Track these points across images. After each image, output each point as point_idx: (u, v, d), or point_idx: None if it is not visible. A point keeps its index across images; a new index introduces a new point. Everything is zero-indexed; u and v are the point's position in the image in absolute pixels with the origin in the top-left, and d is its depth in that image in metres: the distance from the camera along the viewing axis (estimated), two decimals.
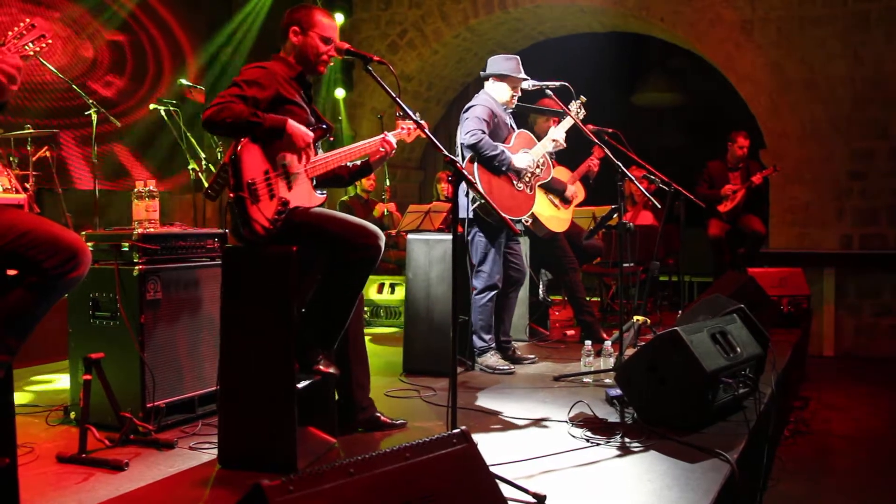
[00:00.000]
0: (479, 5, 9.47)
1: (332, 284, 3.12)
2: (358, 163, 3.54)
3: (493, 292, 4.88)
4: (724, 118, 8.54)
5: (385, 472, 1.61)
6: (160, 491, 2.78)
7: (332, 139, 3.53)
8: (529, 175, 4.91)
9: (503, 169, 4.75)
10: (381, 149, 3.53)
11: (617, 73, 10.12)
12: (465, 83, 10.83)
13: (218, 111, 2.95)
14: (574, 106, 4.97)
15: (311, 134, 3.14)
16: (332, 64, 3.48)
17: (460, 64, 10.42)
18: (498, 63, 4.96)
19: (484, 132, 4.74)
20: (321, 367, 3.10)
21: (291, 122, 3.06)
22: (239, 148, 2.98)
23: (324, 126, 3.34)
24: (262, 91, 3.09)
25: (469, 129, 4.75)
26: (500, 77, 4.94)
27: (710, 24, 8.43)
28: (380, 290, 7.30)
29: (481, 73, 5.07)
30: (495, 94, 4.97)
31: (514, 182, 4.87)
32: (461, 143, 4.80)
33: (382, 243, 3.12)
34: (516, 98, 4.98)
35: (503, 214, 2.97)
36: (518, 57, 4.96)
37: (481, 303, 4.87)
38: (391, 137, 3.53)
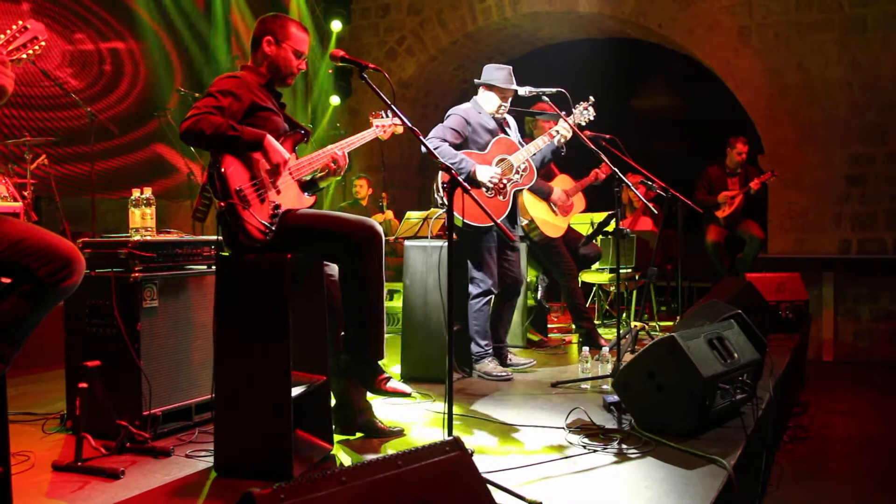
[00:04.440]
0: (477, 12, 9.49)
1: (355, 288, 3.13)
2: (308, 178, 3.39)
3: (488, 297, 4.87)
4: (722, 124, 8.54)
5: (377, 479, 1.60)
6: (156, 499, 2.77)
7: (308, 140, 3.49)
8: (504, 182, 4.84)
9: (462, 177, 4.70)
10: (333, 164, 3.37)
11: (615, 79, 10.11)
12: (464, 90, 10.83)
13: (195, 122, 2.94)
14: (580, 107, 4.93)
15: (288, 155, 3.12)
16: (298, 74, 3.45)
17: (458, 70, 10.43)
18: (488, 72, 4.97)
19: (445, 140, 4.76)
20: (390, 387, 3.12)
21: (269, 138, 3.06)
22: (221, 160, 2.98)
23: (301, 131, 3.34)
24: (237, 101, 3.09)
25: (431, 136, 4.79)
26: (489, 86, 4.95)
27: (708, 29, 8.44)
28: None
29: (476, 80, 5.07)
30: (482, 103, 4.98)
31: (485, 190, 4.82)
32: None
33: (381, 230, 3.14)
34: (504, 108, 4.94)
35: (497, 222, 2.96)
36: (510, 67, 4.93)
37: (476, 308, 4.86)
38: (339, 152, 3.37)
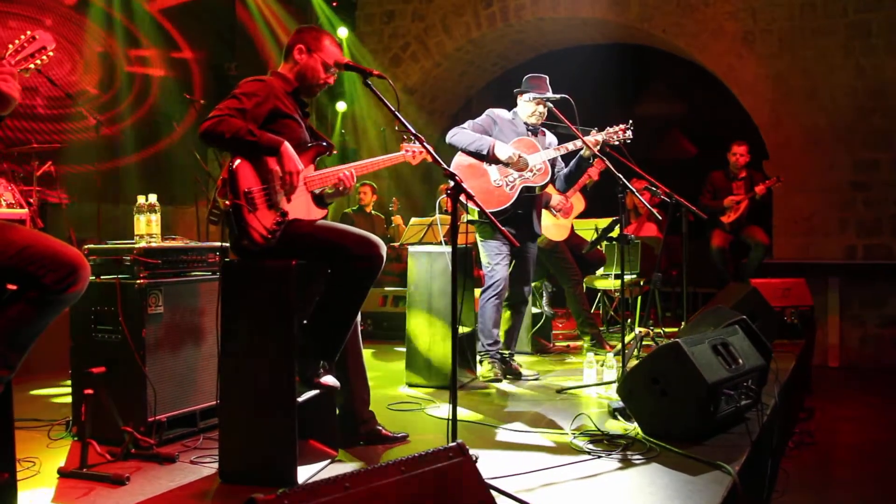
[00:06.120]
0: (481, 18, 9.51)
1: (334, 295, 3.12)
2: (317, 192, 3.32)
3: (496, 292, 4.83)
4: (726, 129, 8.55)
5: (380, 485, 1.61)
6: None
7: (333, 153, 3.47)
8: (515, 175, 4.84)
9: (485, 153, 4.77)
10: (339, 184, 3.31)
11: (619, 85, 10.13)
12: (468, 96, 10.85)
13: (216, 124, 2.96)
14: (617, 128, 4.86)
15: (302, 165, 3.11)
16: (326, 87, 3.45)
17: (463, 76, 10.45)
18: (524, 82, 5.00)
19: (464, 129, 4.87)
20: (322, 380, 3.10)
21: (286, 146, 3.06)
22: (236, 161, 3.00)
23: (324, 143, 3.34)
24: (260, 105, 3.10)
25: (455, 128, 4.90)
26: (521, 93, 4.99)
27: (712, 35, 8.45)
28: (382, 303, 7.30)
29: (515, 90, 5.10)
30: (519, 110, 5.02)
31: (492, 178, 4.84)
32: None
33: (384, 252, 3.12)
34: (538, 112, 4.93)
35: (500, 226, 2.96)
36: (543, 76, 4.96)
37: (482, 303, 4.85)
38: (348, 172, 3.32)
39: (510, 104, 5.11)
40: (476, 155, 4.82)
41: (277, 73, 3.35)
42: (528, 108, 4.96)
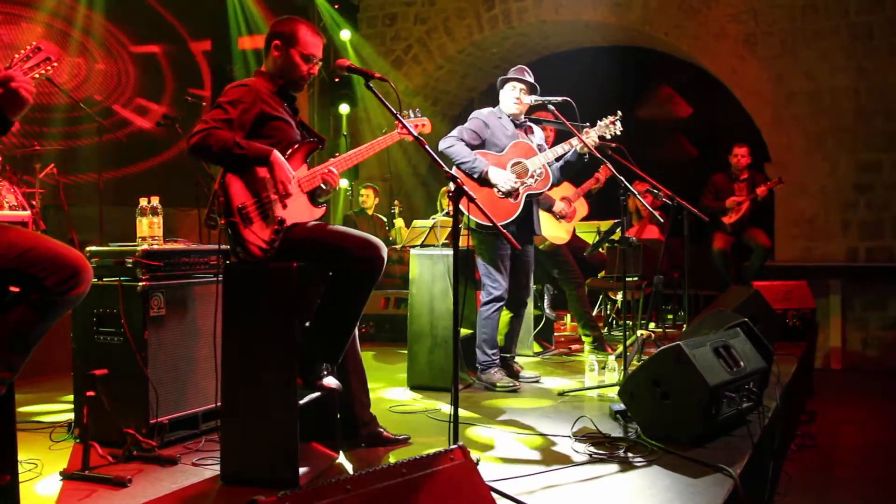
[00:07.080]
0: (483, 21, 9.52)
1: (336, 298, 3.11)
2: (312, 191, 3.27)
3: (499, 304, 4.81)
4: (728, 131, 8.55)
5: (382, 487, 1.61)
6: None
7: (321, 149, 3.43)
8: (517, 186, 4.80)
9: (475, 177, 4.72)
10: (324, 183, 3.25)
11: (621, 88, 10.12)
12: (470, 98, 10.86)
13: (203, 138, 2.92)
14: (606, 120, 4.84)
15: (293, 172, 3.08)
16: (311, 78, 3.37)
17: (465, 79, 10.46)
18: (509, 72, 4.97)
19: (461, 139, 4.77)
20: (324, 383, 3.10)
21: (276, 154, 3.01)
22: (226, 176, 2.98)
23: (315, 139, 3.29)
24: (247, 111, 3.06)
25: (449, 135, 4.81)
26: (502, 84, 4.95)
27: (714, 38, 8.45)
28: (384, 305, 7.30)
29: (500, 77, 5.06)
30: (502, 105, 4.95)
31: (496, 190, 4.80)
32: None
33: (385, 254, 3.10)
34: (516, 105, 4.87)
35: (502, 229, 2.96)
36: (523, 67, 4.94)
37: (485, 315, 4.80)
38: (325, 170, 3.25)
39: None
40: (467, 174, 4.72)
41: (260, 72, 3.29)
42: (508, 98, 4.90)
